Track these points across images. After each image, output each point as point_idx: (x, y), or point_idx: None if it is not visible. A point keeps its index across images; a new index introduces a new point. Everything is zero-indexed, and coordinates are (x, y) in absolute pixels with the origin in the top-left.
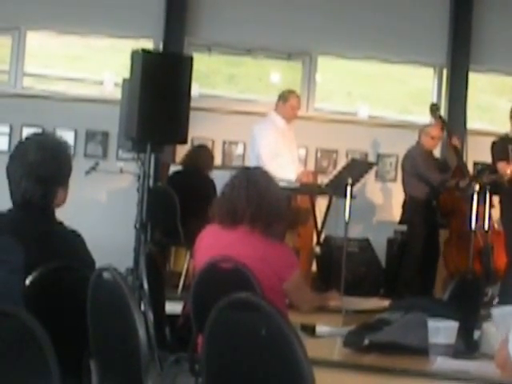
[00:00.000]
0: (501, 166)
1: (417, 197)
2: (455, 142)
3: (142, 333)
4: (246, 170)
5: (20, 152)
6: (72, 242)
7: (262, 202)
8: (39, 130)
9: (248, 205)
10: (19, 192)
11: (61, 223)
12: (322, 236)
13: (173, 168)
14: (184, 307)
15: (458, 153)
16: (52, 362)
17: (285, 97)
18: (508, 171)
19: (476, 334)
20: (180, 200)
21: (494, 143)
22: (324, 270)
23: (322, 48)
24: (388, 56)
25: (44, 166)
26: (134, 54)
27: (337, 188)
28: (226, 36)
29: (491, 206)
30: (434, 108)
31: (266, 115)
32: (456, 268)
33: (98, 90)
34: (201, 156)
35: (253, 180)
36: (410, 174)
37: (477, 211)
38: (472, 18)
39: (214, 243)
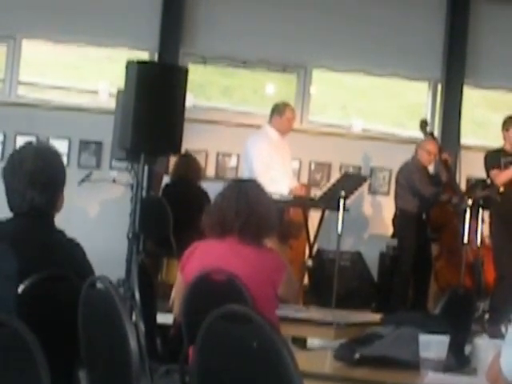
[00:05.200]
0: (493, 173)
1: (408, 210)
2: (445, 157)
3: (133, 343)
4: (237, 182)
5: (18, 162)
6: (71, 250)
7: (251, 214)
8: (32, 139)
9: (237, 216)
10: (25, 202)
11: (60, 231)
12: (315, 249)
13: (166, 179)
14: (175, 318)
15: (449, 168)
16: (42, 370)
17: (280, 110)
18: (500, 179)
19: (467, 349)
20: (174, 212)
21: (486, 155)
22: (316, 283)
23: (317, 61)
24: (383, 70)
25: (45, 173)
26: (129, 65)
27: (330, 201)
28: (222, 47)
29: (482, 221)
30: (424, 124)
31: (260, 127)
32: (446, 283)
33: (93, 100)
34: (189, 166)
35: (243, 191)
36: (404, 188)
37: (468, 226)
38: (467, 33)
39: (205, 254)
